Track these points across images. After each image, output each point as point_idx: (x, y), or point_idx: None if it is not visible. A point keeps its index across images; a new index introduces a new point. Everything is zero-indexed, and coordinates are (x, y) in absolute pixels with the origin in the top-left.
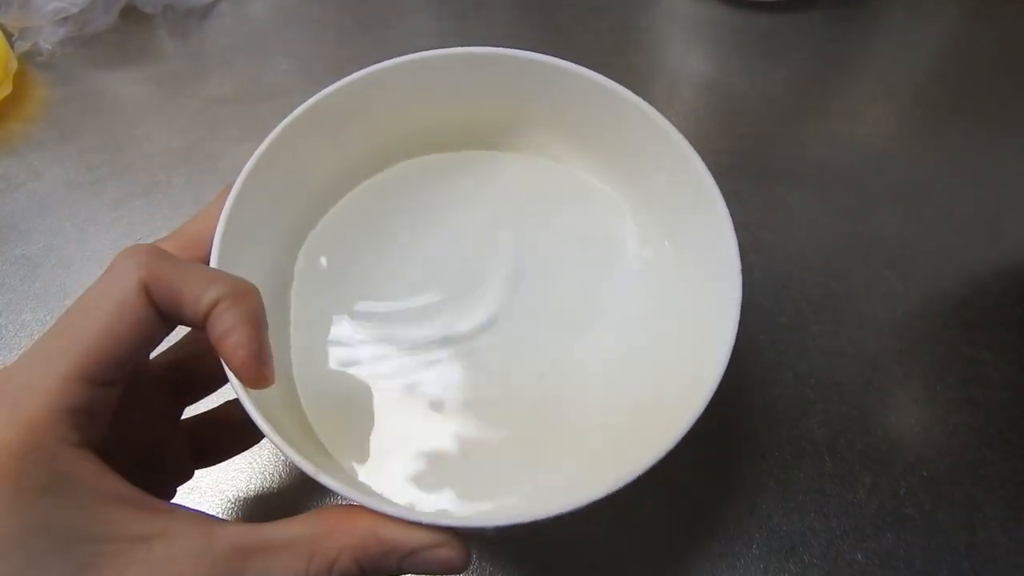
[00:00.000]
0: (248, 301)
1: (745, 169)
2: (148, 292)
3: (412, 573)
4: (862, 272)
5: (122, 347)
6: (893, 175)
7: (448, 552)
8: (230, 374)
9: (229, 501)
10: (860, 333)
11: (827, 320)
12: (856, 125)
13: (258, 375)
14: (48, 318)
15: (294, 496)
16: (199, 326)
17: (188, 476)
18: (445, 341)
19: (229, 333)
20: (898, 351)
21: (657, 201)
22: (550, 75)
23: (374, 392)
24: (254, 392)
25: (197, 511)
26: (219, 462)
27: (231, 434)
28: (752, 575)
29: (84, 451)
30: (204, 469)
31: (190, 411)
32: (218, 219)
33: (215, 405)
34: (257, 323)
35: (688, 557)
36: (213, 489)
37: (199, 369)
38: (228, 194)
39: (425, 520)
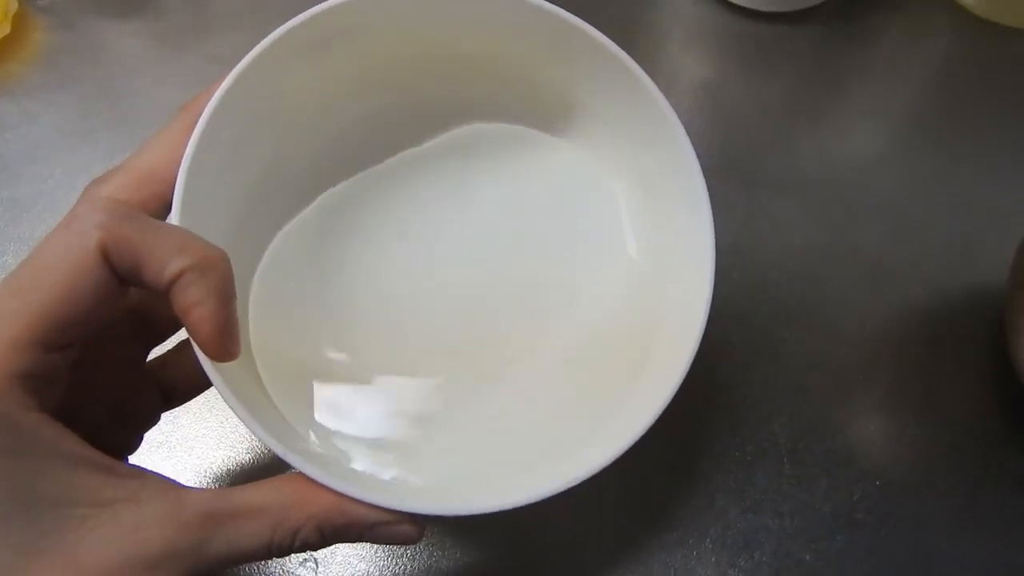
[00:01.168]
0: (215, 272)
1: (733, 173)
2: (107, 255)
3: (371, 542)
4: (836, 282)
5: (77, 312)
6: (875, 191)
7: (406, 528)
8: (195, 346)
9: (198, 461)
10: (829, 341)
11: (799, 326)
12: (844, 139)
13: (223, 349)
14: None
15: (262, 456)
16: (161, 294)
17: (155, 421)
18: (414, 321)
19: (194, 307)
20: (865, 362)
21: (647, 182)
22: (563, 33)
23: (339, 360)
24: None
25: (164, 476)
26: (185, 402)
27: (196, 373)
28: (704, 568)
29: (43, 415)
30: (173, 429)
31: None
32: (178, 148)
33: (177, 343)
34: (224, 296)
35: (644, 545)
36: (182, 445)
37: (162, 311)
38: (188, 115)
39: (388, 505)
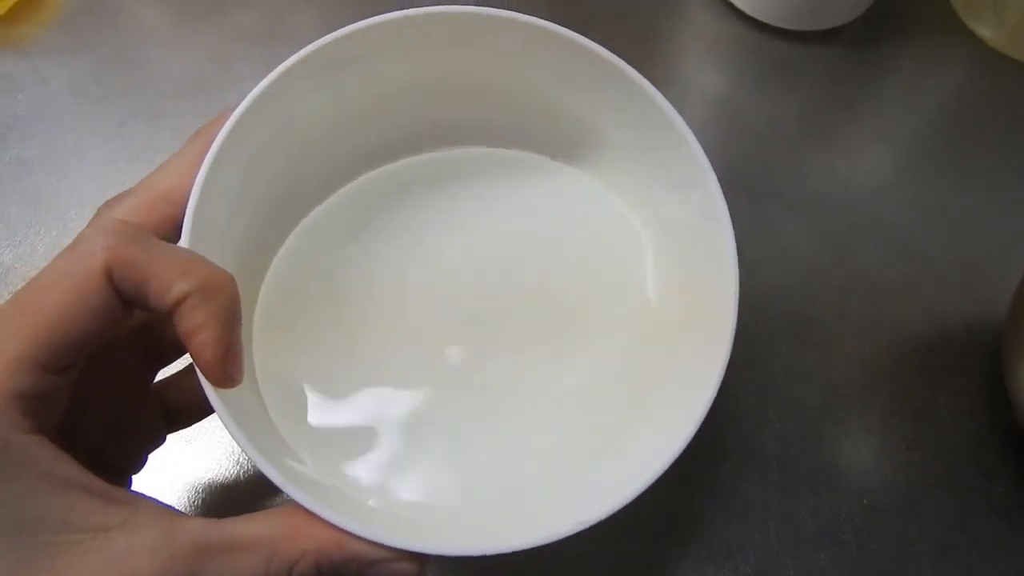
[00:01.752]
0: (221, 296)
1: (742, 187)
2: (112, 277)
3: None
4: (836, 302)
5: (79, 333)
6: (881, 214)
7: (406, 566)
8: (197, 371)
9: (190, 487)
10: (826, 359)
11: (796, 342)
12: (854, 161)
13: (225, 376)
14: (34, 220)
15: (258, 483)
16: (165, 316)
17: (160, 442)
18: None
19: (197, 331)
20: (859, 383)
21: (669, 224)
22: (579, 57)
23: (345, 384)
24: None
25: (159, 503)
26: (191, 424)
27: (202, 395)
28: None
29: (39, 437)
30: (168, 455)
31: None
32: (192, 171)
33: (184, 365)
34: (228, 322)
35: (625, 552)
36: (175, 472)
37: (168, 332)
38: (203, 139)
39: (389, 543)
